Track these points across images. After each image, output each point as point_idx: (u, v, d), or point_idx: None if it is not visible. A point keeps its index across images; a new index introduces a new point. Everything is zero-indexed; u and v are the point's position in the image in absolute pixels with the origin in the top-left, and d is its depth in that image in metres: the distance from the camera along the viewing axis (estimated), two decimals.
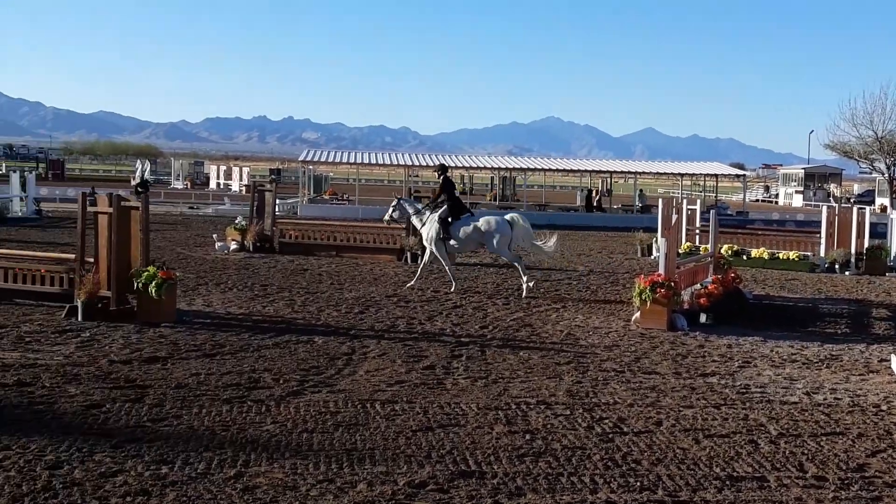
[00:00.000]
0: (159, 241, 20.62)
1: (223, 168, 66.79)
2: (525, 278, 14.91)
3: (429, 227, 15.33)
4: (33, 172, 39.09)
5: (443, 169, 16.62)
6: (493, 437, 6.97)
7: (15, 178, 31.10)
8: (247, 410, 7.49)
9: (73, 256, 12.06)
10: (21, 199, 30.04)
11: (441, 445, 6.72)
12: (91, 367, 8.82)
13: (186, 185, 61.61)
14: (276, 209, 21.82)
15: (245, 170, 62.45)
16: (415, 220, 15.93)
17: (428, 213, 15.49)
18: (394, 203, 16.40)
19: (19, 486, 5.59)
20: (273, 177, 61.42)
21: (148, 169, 37.23)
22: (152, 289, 11.09)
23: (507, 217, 15.36)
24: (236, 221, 20.91)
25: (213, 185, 60.43)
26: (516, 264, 15.15)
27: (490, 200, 50.35)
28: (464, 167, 47.24)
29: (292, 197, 41.29)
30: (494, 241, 14.96)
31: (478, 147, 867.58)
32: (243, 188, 53.56)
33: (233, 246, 20.22)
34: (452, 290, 15.01)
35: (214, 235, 21.23)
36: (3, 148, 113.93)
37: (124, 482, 5.72)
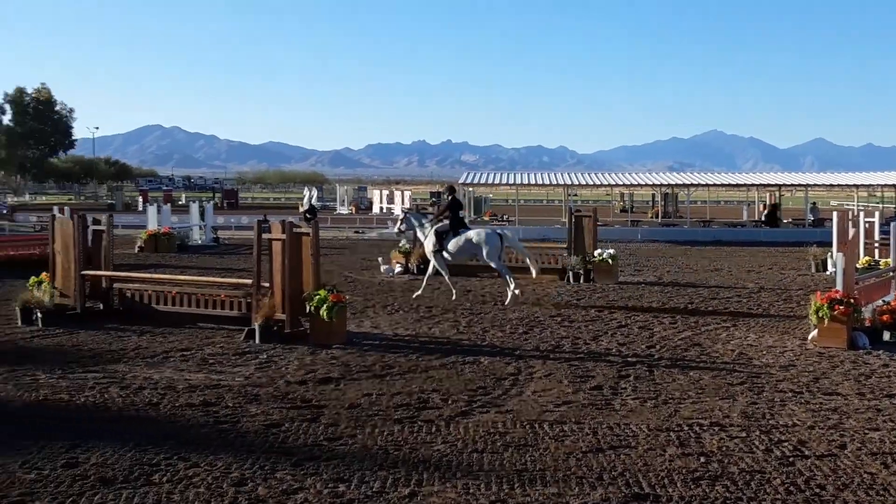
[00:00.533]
0: (328, 266, 21.31)
1: (385, 192, 68.39)
2: (512, 286, 15.82)
3: (428, 240, 16.44)
4: (210, 202, 41.24)
5: (451, 190, 17.95)
6: (665, 460, 6.83)
7: (194, 207, 32.93)
8: (417, 430, 7.63)
9: (250, 282, 12.64)
10: (200, 228, 31.75)
11: (612, 467, 6.64)
12: (269, 387, 9.21)
13: (351, 210, 63.49)
14: None
15: (406, 193, 63.64)
16: (419, 233, 17.08)
17: (429, 226, 16.67)
18: (401, 217, 18.02)
19: (208, 501, 5.90)
20: (434, 200, 62.46)
21: (315, 195, 38.61)
22: (324, 312, 11.49)
23: (499, 231, 16.68)
24: (401, 245, 21.37)
25: (376, 209, 61.98)
26: (504, 273, 16.18)
27: (652, 217, 49.43)
28: (623, 185, 46.60)
29: None
30: (485, 252, 16.11)
31: (637, 164, 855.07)
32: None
33: (397, 269, 20.68)
34: (453, 298, 16.27)
35: (380, 259, 21.75)
36: (183, 179, 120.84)
37: (305, 499, 5.94)
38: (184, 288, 13.59)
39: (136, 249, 26.82)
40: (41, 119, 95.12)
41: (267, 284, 12.18)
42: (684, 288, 18.36)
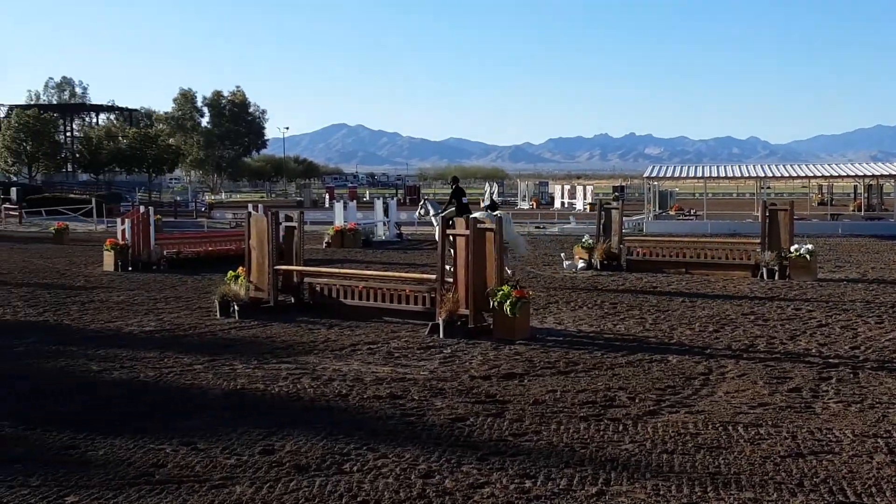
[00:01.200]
0: (510, 261, 21.31)
1: (567, 187, 67.97)
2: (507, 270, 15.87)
3: (438, 226, 15.59)
4: (394, 198, 42.21)
5: (455, 180, 21.64)
6: (873, 467, 6.36)
7: (378, 204, 33.80)
8: (604, 428, 7.46)
9: (434, 277, 12.78)
10: (384, 224, 32.56)
11: (814, 473, 6.24)
12: (454, 381, 9.25)
13: (532, 205, 63.45)
14: (623, 227, 21.72)
15: (588, 188, 63.05)
16: (433, 219, 18.92)
17: (440, 213, 18.23)
18: (421, 203, 21.10)
19: (397, 492, 5.96)
20: (617, 194, 61.46)
21: (496, 191, 38.80)
22: (507, 307, 11.46)
23: (498, 215, 15.76)
24: (583, 240, 21.10)
25: (557, 204, 61.64)
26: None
27: (854, 211, 46.66)
28: (822, 176, 44.26)
29: (637, 214, 41.02)
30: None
31: (836, 154, 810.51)
32: (587, 206, 54.11)
33: (580, 264, 20.42)
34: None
35: (562, 254, 21.57)
36: (367, 177, 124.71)
37: (491, 494, 5.90)
38: (370, 283, 13.91)
39: (324, 245, 27.76)
40: (236, 121, 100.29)
41: (451, 280, 12.27)
42: (891, 286, 17.17)
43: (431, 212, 19.69)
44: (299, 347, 11.26)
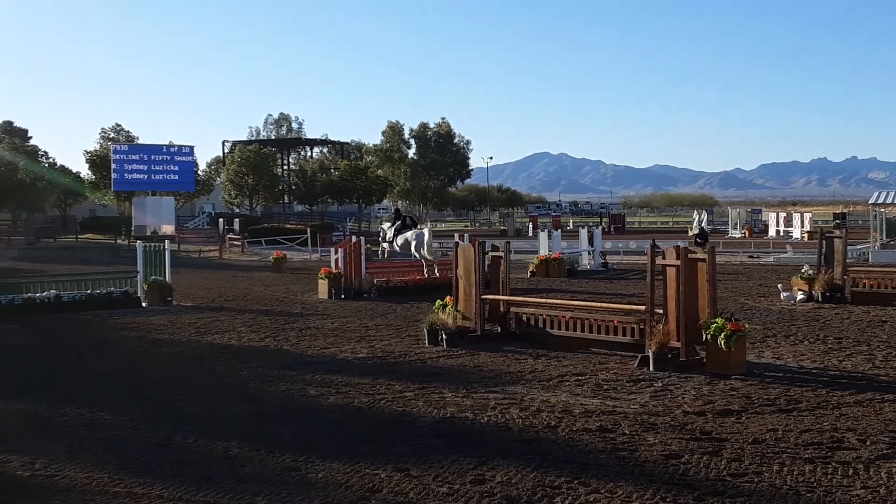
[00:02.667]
0: (721, 291, 20.41)
1: (782, 214, 64.99)
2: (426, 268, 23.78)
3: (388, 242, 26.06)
4: (598, 227, 41.78)
5: (397, 210, 31.66)
6: None
7: (583, 233, 33.50)
8: (832, 472, 6.98)
9: (642, 308, 12.49)
10: (588, 253, 32.23)
11: None
12: (666, 416, 8.97)
13: (744, 233, 61.08)
14: (847, 256, 20.45)
15: (806, 215, 59.96)
16: (387, 237, 25.98)
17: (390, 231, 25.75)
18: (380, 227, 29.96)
19: None
20: (838, 221, 58.18)
21: (705, 219, 37.62)
22: (721, 340, 11.01)
23: (423, 230, 24.76)
24: (803, 270, 20.03)
25: (772, 232, 59.04)
26: (421, 256, 23.94)
27: None
28: None
29: (862, 242, 38.58)
30: (412, 245, 24.13)
31: None
32: (805, 235, 51.53)
33: (799, 296, 19.38)
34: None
35: (779, 285, 20.56)
36: (570, 205, 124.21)
37: None
38: (576, 313, 13.76)
39: (528, 274, 27.80)
40: (442, 151, 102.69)
41: (661, 311, 11.94)
42: None
43: (388, 234, 25.74)
44: (507, 377, 11.28)
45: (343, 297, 21.26)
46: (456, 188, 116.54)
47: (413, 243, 24.14)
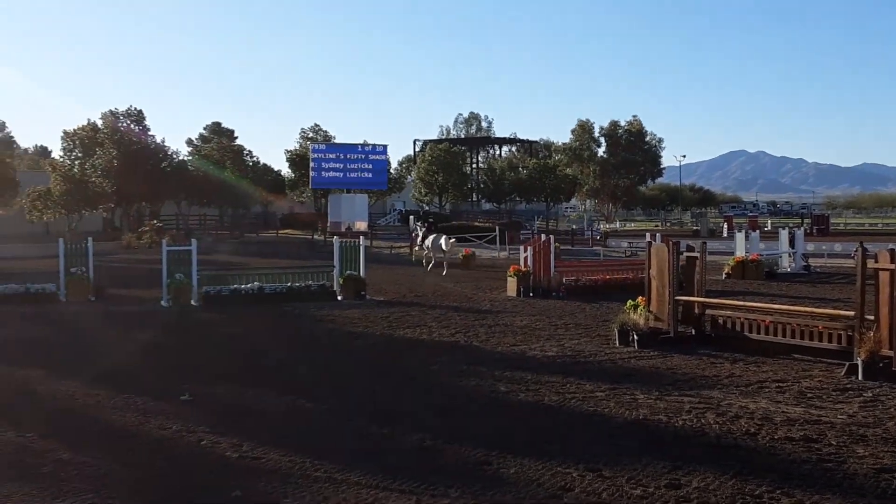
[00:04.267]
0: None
1: None
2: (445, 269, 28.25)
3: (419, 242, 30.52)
4: (800, 228, 39.86)
5: (426, 213, 35.91)
6: None
7: (783, 234, 32.02)
8: None
9: (851, 313, 11.79)
10: (789, 255, 30.77)
11: None
12: (877, 428, 8.42)
13: None
14: None
15: None
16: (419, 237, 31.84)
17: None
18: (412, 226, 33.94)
19: None
20: None
21: None
22: None
23: (443, 236, 29.49)
24: None
25: None
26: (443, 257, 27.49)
27: None
28: None
29: None
30: (435, 244, 28.72)
31: None
32: None
33: None
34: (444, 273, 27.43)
35: None
36: (767, 205, 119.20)
37: None
38: (776, 317, 13.17)
39: (723, 276, 26.84)
40: (632, 150, 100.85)
41: (871, 317, 11.22)
42: None
43: (419, 232, 32.08)
44: (702, 381, 10.92)
45: (531, 295, 21.27)
46: (646, 187, 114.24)
47: (441, 244, 29.19)
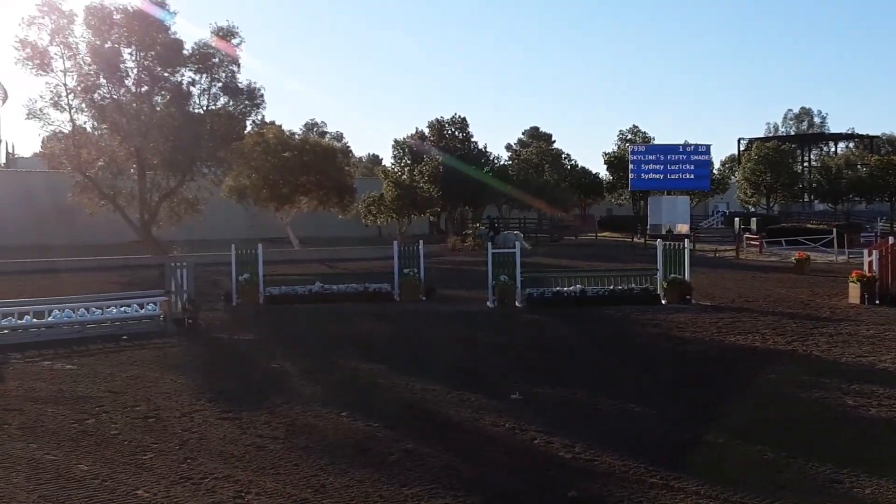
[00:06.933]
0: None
1: None
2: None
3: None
4: None
5: (490, 217, 46.60)
6: None
7: None
8: None
9: None
10: None
11: None
12: None
13: None
14: None
15: None
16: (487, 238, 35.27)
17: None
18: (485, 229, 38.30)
19: None
20: None
21: None
22: None
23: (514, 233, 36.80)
24: None
25: None
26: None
27: None
28: None
29: None
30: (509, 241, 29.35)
31: None
32: None
33: None
34: None
35: None
36: None
37: None
38: None
39: None
40: None
41: None
42: None
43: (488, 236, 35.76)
44: None
45: (878, 302, 19.49)
46: None
47: (514, 239, 31.13)
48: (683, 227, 55.97)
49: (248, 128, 39.04)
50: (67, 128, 34.20)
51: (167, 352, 13.77)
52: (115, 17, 33.12)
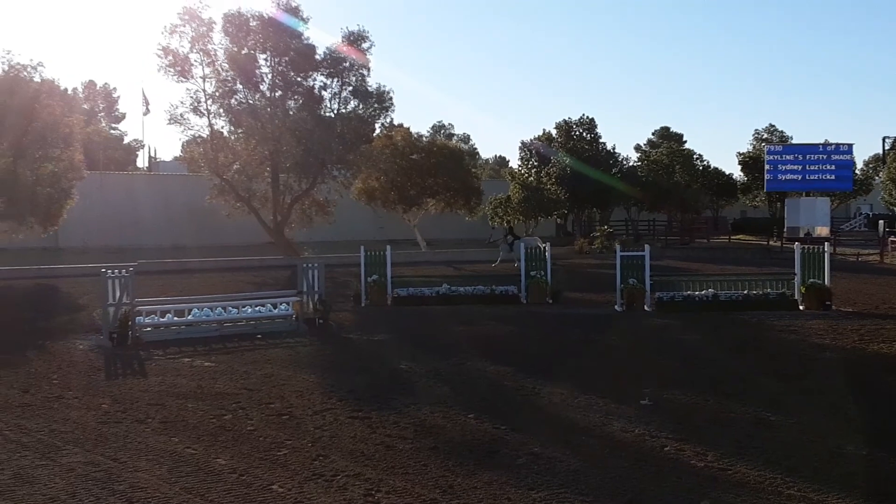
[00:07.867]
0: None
1: None
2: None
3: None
4: None
5: (508, 223, 41.41)
6: None
7: None
8: None
9: None
10: None
11: None
12: None
13: None
14: None
15: None
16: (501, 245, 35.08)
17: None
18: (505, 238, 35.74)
19: None
20: None
21: None
22: None
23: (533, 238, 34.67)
24: None
25: None
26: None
27: None
28: None
29: None
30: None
31: None
32: None
33: None
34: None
35: None
36: None
37: None
38: None
39: None
40: None
41: None
42: None
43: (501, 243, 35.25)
44: None
45: None
46: None
47: (533, 244, 27.67)
48: (823, 230, 53.80)
49: (377, 131, 39.67)
50: (206, 132, 35.46)
51: (299, 351, 14.11)
52: (251, 24, 34.14)
